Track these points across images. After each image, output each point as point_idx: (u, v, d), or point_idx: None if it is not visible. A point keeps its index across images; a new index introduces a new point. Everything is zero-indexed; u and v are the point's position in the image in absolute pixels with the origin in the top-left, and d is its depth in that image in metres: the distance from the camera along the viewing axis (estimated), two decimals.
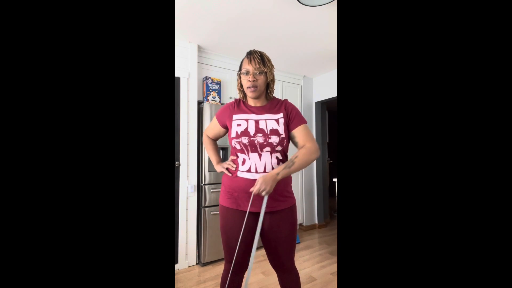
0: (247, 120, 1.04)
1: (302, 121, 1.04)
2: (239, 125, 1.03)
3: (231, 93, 2.55)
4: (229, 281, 1.06)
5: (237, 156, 1.05)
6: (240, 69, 1.06)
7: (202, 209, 2.17)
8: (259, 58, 1.01)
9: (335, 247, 2.55)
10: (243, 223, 1.01)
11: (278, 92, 2.92)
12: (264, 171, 0.99)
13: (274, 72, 1.09)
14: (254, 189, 0.91)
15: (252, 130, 1.01)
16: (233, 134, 1.03)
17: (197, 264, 2.17)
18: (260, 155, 0.99)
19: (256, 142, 0.99)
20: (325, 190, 3.33)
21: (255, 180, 0.98)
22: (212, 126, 1.20)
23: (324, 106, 3.32)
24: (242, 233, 1.00)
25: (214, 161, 1.19)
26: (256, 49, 1.13)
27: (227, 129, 1.13)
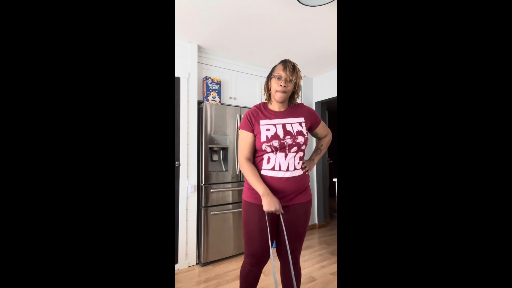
0: (274, 125, 1.13)
1: (319, 120, 1.27)
2: (268, 129, 1.12)
3: (231, 93, 2.55)
4: (249, 272, 1.18)
5: (261, 157, 1.13)
6: (270, 74, 1.15)
7: (202, 209, 2.17)
8: (291, 68, 1.10)
9: (335, 247, 2.55)
10: (264, 217, 1.09)
11: None
12: (287, 170, 1.09)
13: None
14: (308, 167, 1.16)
15: (281, 134, 1.11)
16: (263, 139, 1.11)
17: (197, 264, 2.17)
18: (286, 155, 1.10)
19: (285, 143, 1.10)
20: (325, 190, 3.33)
21: (277, 178, 1.09)
22: (244, 141, 1.14)
23: (324, 106, 3.32)
24: (263, 227, 1.09)
25: (261, 190, 1.03)
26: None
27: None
